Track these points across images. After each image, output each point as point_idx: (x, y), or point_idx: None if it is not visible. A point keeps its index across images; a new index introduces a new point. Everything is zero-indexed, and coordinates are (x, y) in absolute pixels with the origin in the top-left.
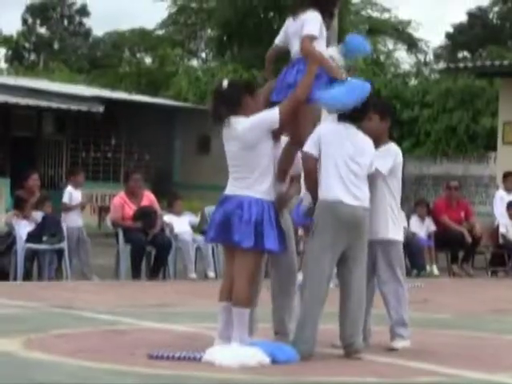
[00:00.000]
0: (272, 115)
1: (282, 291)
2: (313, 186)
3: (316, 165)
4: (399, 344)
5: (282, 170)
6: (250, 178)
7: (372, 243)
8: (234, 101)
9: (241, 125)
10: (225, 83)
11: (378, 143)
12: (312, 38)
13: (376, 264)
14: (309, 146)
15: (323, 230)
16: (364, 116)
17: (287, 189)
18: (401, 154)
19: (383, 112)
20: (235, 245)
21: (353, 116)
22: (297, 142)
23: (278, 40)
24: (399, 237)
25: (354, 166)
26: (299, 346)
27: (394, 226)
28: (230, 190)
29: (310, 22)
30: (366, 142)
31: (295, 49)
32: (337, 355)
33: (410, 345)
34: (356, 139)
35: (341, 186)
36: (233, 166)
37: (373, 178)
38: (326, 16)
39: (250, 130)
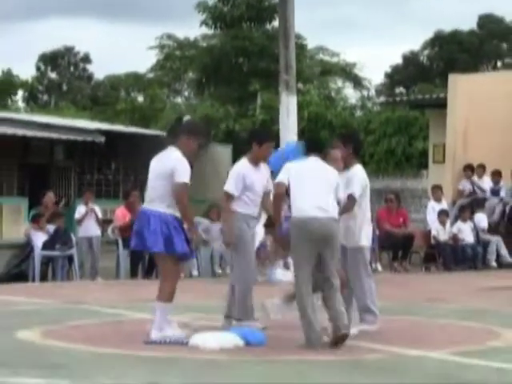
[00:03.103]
0: (182, 178)
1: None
2: (277, 208)
3: (284, 190)
4: (364, 327)
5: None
6: (156, 197)
7: (345, 249)
8: (174, 132)
9: (168, 161)
10: (186, 117)
11: (345, 166)
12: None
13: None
14: (280, 178)
15: (297, 243)
16: (323, 148)
17: None
18: (365, 174)
19: (345, 139)
20: (148, 250)
21: (316, 148)
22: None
23: None
24: (367, 243)
25: (321, 183)
26: (311, 336)
27: (363, 234)
28: (144, 205)
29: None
30: (332, 172)
31: None
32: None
33: (375, 328)
34: (322, 171)
35: (310, 202)
36: (148, 186)
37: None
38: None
39: (170, 169)
